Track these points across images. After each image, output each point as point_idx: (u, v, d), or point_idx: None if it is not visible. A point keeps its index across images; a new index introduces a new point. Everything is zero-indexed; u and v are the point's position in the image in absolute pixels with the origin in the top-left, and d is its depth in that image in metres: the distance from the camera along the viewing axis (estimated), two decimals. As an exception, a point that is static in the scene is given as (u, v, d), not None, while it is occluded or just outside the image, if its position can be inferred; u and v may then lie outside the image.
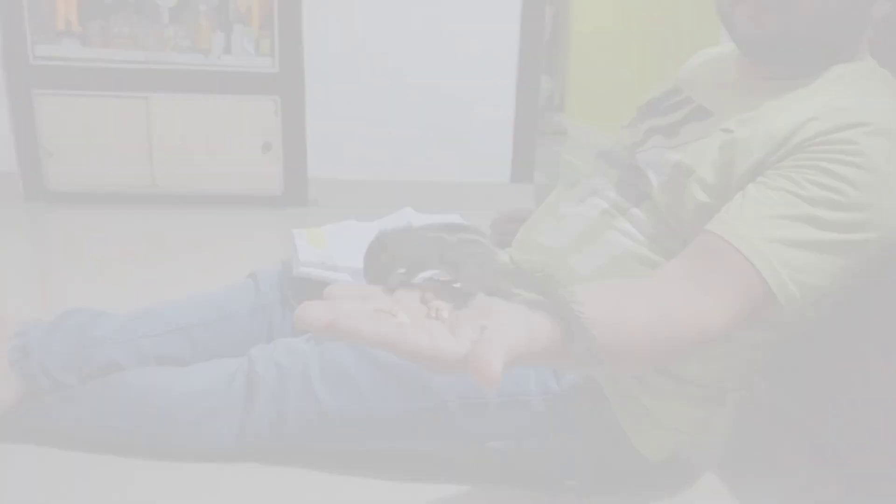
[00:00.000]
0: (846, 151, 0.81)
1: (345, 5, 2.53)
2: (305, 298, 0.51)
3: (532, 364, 0.63)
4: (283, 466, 1.04)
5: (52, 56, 2.34)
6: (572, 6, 4.48)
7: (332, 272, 1.12)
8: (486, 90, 2.70)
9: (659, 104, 1.10)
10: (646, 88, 1.19)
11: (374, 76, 2.61)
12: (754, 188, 0.85)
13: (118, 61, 2.37)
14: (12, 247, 2.08)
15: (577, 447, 0.99)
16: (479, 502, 1.00)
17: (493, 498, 1.01)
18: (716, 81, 1.04)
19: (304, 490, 1.00)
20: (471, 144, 2.74)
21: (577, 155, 1.10)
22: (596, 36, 4.10)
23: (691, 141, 0.97)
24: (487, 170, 2.76)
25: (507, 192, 2.73)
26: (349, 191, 2.57)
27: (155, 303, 1.15)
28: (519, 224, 1.19)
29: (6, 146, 2.40)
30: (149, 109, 2.40)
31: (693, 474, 1.09)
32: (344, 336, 0.48)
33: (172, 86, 2.40)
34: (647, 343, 0.72)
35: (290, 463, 1.04)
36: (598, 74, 4.05)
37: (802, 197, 0.81)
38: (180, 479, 1.01)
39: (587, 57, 4.27)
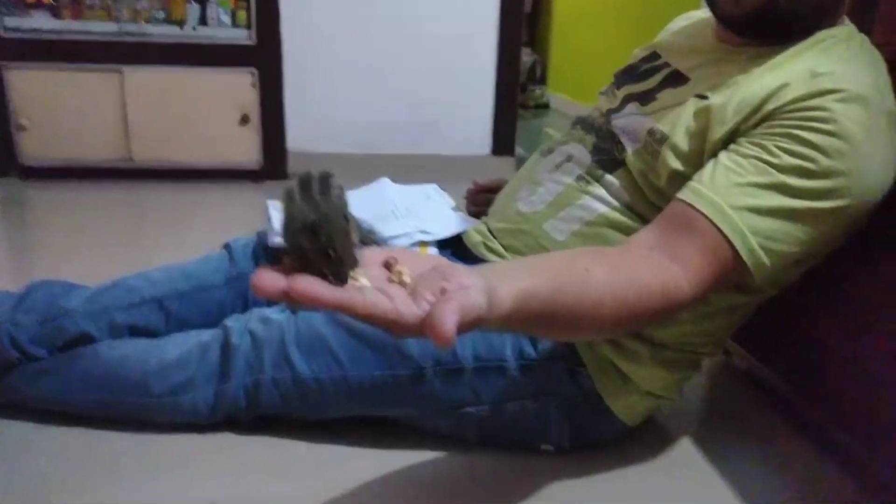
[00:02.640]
0: (818, 118, 0.81)
1: (323, -24, 2.50)
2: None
3: (496, 330, 0.63)
4: (260, 435, 1.04)
5: (23, 28, 2.29)
6: (554, -21, 4.43)
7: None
8: (467, 63, 2.68)
9: (636, 69, 1.09)
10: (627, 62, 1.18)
11: (353, 48, 2.58)
12: (725, 156, 0.84)
13: (91, 33, 2.32)
14: (-15, 222, 2.04)
15: (554, 412, 1.00)
16: (456, 467, 1.00)
17: (470, 463, 1.01)
18: (693, 47, 1.03)
19: (281, 458, 1.00)
20: (451, 117, 2.72)
21: (559, 128, 1.10)
22: (578, 9, 4.06)
23: (667, 108, 0.96)
24: (468, 143, 2.74)
25: (488, 164, 2.72)
26: (329, 164, 2.51)
27: (127, 274, 1.13)
28: (494, 194, 1.19)
29: (-23, 121, 2.35)
30: (123, 83, 2.35)
31: (669, 439, 1.10)
32: (300, 300, 0.48)
33: (147, 58, 2.36)
34: (618, 309, 0.72)
35: (267, 432, 1.04)
36: (579, 48, 4.03)
37: (773, 165, 0.81)
38: (156, 450, 1.00)
39: (569, 31, 4.24)
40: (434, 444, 1.03)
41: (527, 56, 4.29)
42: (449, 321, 0.49)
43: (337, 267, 0.50)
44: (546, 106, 4.38)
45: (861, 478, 1.02)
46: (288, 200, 0.50)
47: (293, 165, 2.52)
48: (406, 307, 0.52)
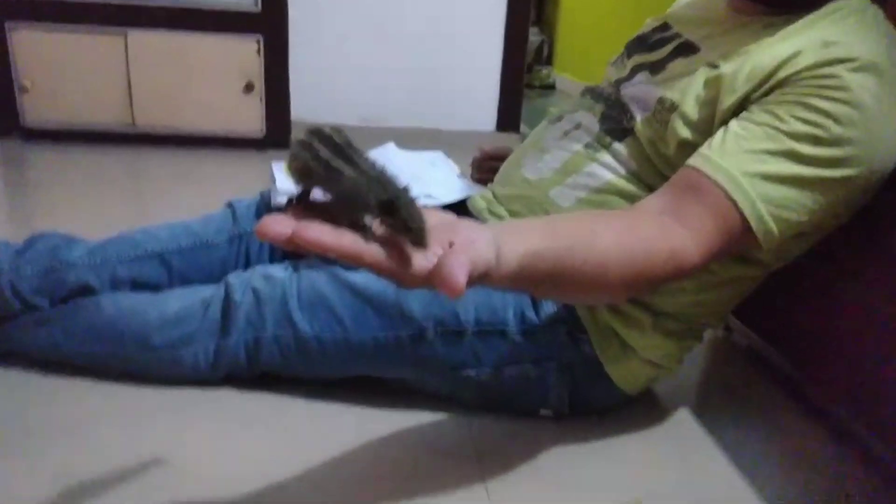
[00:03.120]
0: (831, 86, 0.81)
1: (331, -57, 2.48)
2: None
3: (502, 288, 0.63)
4: (259, 392, 1.04)
5: (28, -12, 2.26)
6: (563, -42, 4.40)
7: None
8: (475, 39, 2.66)
9: (647, 40, 1.08)
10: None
11: (360, 19, 2.56)
12: (736, 123, 0.84)
13: (96, -5, 2.30)
14: (-14, 182, 2.04)
15: (554, 378, 1.00)
16: (454, 429, 1.01)
17: (468, 425, 1.01)
18: (705, 17, 1.03)
19: (280, 416, 1.01)
20: (457, 93, 2.71)
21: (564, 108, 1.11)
22: (586, -11, 4.03)
23: (677, 76, 0.96)
24: (473, 119, 2.73)
25: (493, 140, 2.70)
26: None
27: (129, 229, 1.13)
28: (500, 162, 1.18)
29: (-21, 80, 2.34)
30: (127, 46, 2.33)
31: (667, 410, 1.11)
32: (306, 246, 0.47)
33: (152, 22, 2.33)
34: (626, 271, 0.72)
35: (266, 389, 1.04)
36: (587, 29, 4.00)
37: (784, 131, 0.81)
38: (155, 404, 1.01)
39: (577, 11, 4.21)
40: (433, 405, 1.04)
41: (534, 36, 4.26)
42: (460, 273, 0.49)
43: (419, 235, 0.50)
44: (552, 87, 4.36)
45: (858, 452, 1.02)
46: (332, 169, 0.49)
47: (296, 135, 2.51)
48: (414, 258, 0.51)
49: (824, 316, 1.05)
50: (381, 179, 0.50)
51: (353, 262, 0.49)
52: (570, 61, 4.28)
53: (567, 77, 4.22)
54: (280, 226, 0.47)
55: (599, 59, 1.17)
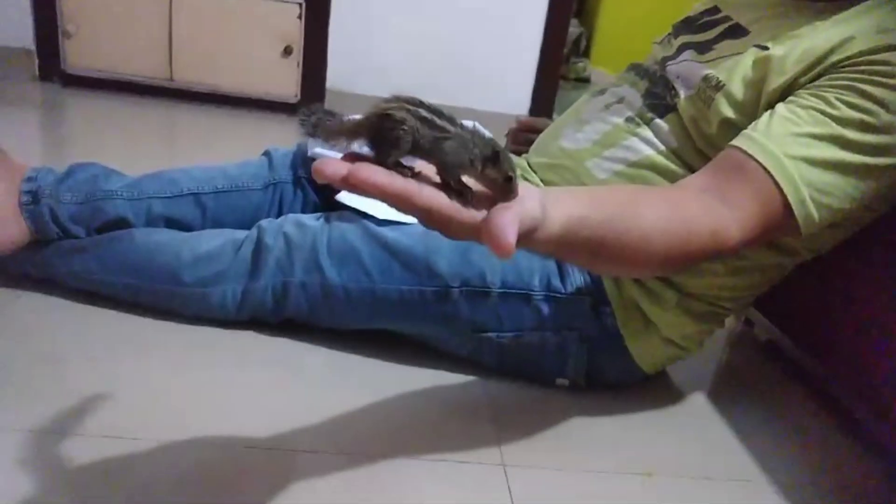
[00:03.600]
0: (882, 73, 0.80)
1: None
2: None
3: (543, 252, 0.63)
4: (282, 338, 1.05)
5: (77, -68, 2.28)
6: (608, -49, 4.36)
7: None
8: (516, 22, 2.65)
9: (695, 21, 1.08)
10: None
11: (403, -6, 2.56)
12: (783, 106, 0.83)
13: (145, -55, 2.32)
14: (23, 124, 2.06)
15: (574, 348, 1.01)
16: (471, 390, 1.02)
17: (485, 387, 1.02)
18: (755, 2, 1.02)
19: (299, 363, 1.02)
20: (493, 76, 2.70)
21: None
22: (630, -16, 4.00)
23: (724, 56, 0.95)
24: (508, 102, 2.72)
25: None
26: (366, 106, 2.54)
27: (168, 168, 1.15)
28: (536, 134, 1.18)
29: (25, 23, 2.36)
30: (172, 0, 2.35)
31: (682, 392, 1.11)
32: (360, 186, 0.48)
33: (198, -22, 2.35)
34: (667, 245, 0.72)
35: (288, 336, 1.06)
36: (628, 23, 3.97)
37: (832, 116, 0.80)
38: (177, 338, 1.02)
39: (618, 5, 4.18)
40: (451, 365, 1.05)
41: (573, 27, 4.23)
42: (510, 231, 0.48)
43: (515, 184, 0.53)
44: (587, 80, 4.33)
45: (873, 444, 1.02)
46: (437, 127, 0.52)
47: (329, 104, 2.52)
48: (463, 206, 0.51)
49: (845, 309, 1.05)
50: (478, 135, 0.54)
51: (404, 204, 0.49)
52: (607, 56, 4.25)
53: (603, 71, 4.20)
54: (336, 165, 0.48)
55: (637, 55, 1.16)
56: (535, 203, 0.55)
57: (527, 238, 0.54)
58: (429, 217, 0.51)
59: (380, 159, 0.52)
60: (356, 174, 0.48)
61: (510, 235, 0.48)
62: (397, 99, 0.54)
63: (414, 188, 0.50)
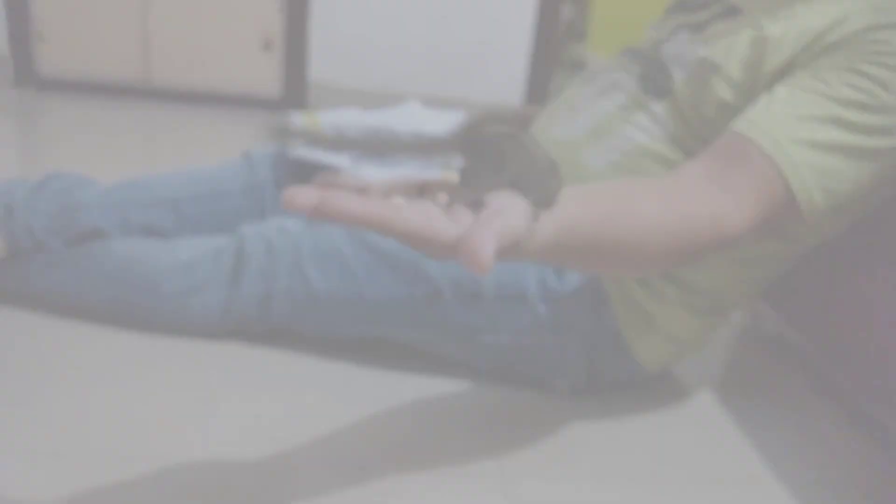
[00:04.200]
0: (882, 52, 0.77)
1: None
2: (300, 180, 0.46)
3: (536, 260, 0.59)
4: (268, 348, 1.01)
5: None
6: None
7: (329, 155, 1.07)
8: (506, 10, 2.60)
9: (689, 2, 1.04)
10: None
11: (384, -19, 2.50)
12: (783, 88, 0.81)
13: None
14: (-1, 129, 2.01)
15: (573, 349, 0.97)
16: (467, 397, 0.98)
17: (481, 393, 0.98)
18: (751, -20, 0.98)
19: (287, 373, 0.98)
20: (484, 64, 2.64)
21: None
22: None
23: (720, 37, 0.92)
24: (500, 91, 2.67)
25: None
26: (351, 100, 2.49)
27: (144, 175, 1.10)
28: (527, 123, 1.14)
29: (-2, 28, 2.31)
30: (146, -2, 2.30)
31: (687, 390, 1.08)
32: (333, 216, 0.44)
33: (172, -26, 2.29)
34: (666, 240, 0.69)
35: (276, 345, 1.01)
36: (624, 6, 3.92)
37: (833, 98, 0.78)
38: (160, 353, 0.98)
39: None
40: (445, 371, 1.01)
41: (567, 10, 4.17)
42: (487, 246, 0.44)
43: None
44: (582, 65, 4.28)
45: (882, 442, 0.99)
46: (516, 142, 0.51)
47: (313, 98, 2.47)
48: (442, 226, 0.47)
49: (856, 303, 1.01)
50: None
51: (382, 230, 0.45)
52: (603, 38, 4.20)
53: (599, 56, 4.15)
54: (307, 195, 0.44)
55: (635, 36, 1.12)
56: (518, 213, 0.50)
57: (514, 250, 0.50)
58: (408, 241, 0.47)
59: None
60: (329, 205, 0.44)
61: (487, 250, 0.44)
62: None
63: (392, 214, 0.45)
